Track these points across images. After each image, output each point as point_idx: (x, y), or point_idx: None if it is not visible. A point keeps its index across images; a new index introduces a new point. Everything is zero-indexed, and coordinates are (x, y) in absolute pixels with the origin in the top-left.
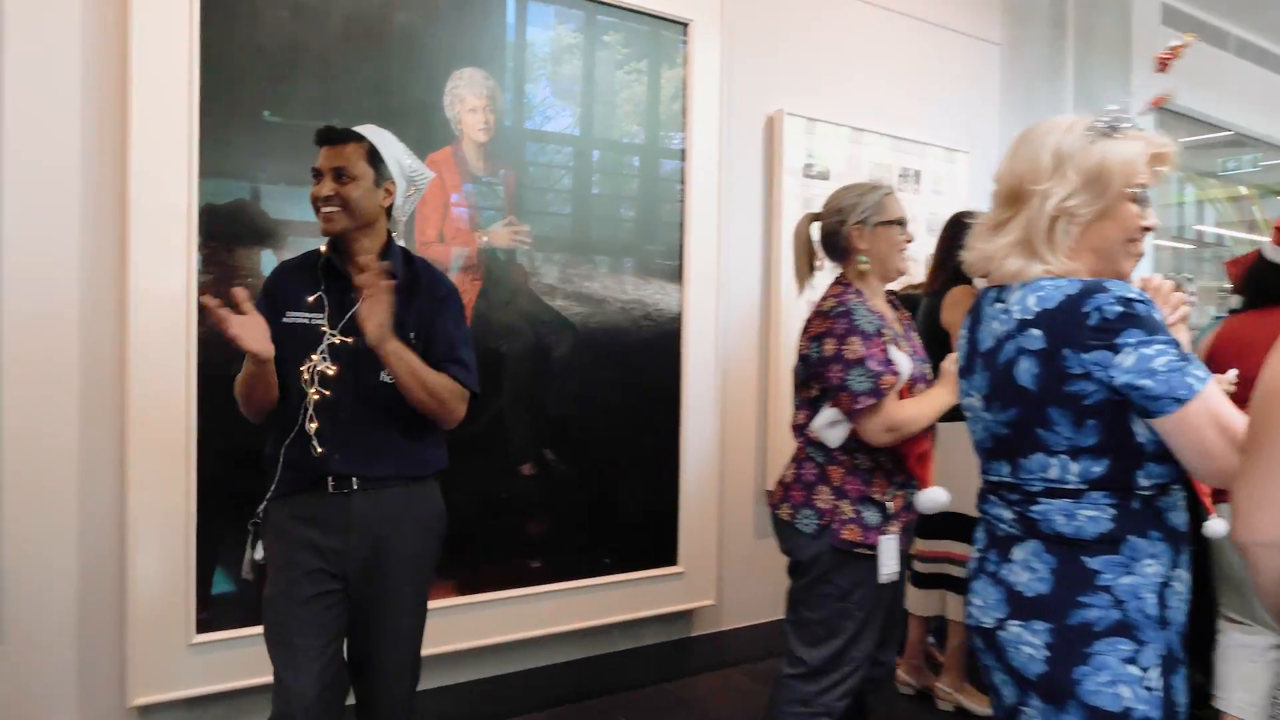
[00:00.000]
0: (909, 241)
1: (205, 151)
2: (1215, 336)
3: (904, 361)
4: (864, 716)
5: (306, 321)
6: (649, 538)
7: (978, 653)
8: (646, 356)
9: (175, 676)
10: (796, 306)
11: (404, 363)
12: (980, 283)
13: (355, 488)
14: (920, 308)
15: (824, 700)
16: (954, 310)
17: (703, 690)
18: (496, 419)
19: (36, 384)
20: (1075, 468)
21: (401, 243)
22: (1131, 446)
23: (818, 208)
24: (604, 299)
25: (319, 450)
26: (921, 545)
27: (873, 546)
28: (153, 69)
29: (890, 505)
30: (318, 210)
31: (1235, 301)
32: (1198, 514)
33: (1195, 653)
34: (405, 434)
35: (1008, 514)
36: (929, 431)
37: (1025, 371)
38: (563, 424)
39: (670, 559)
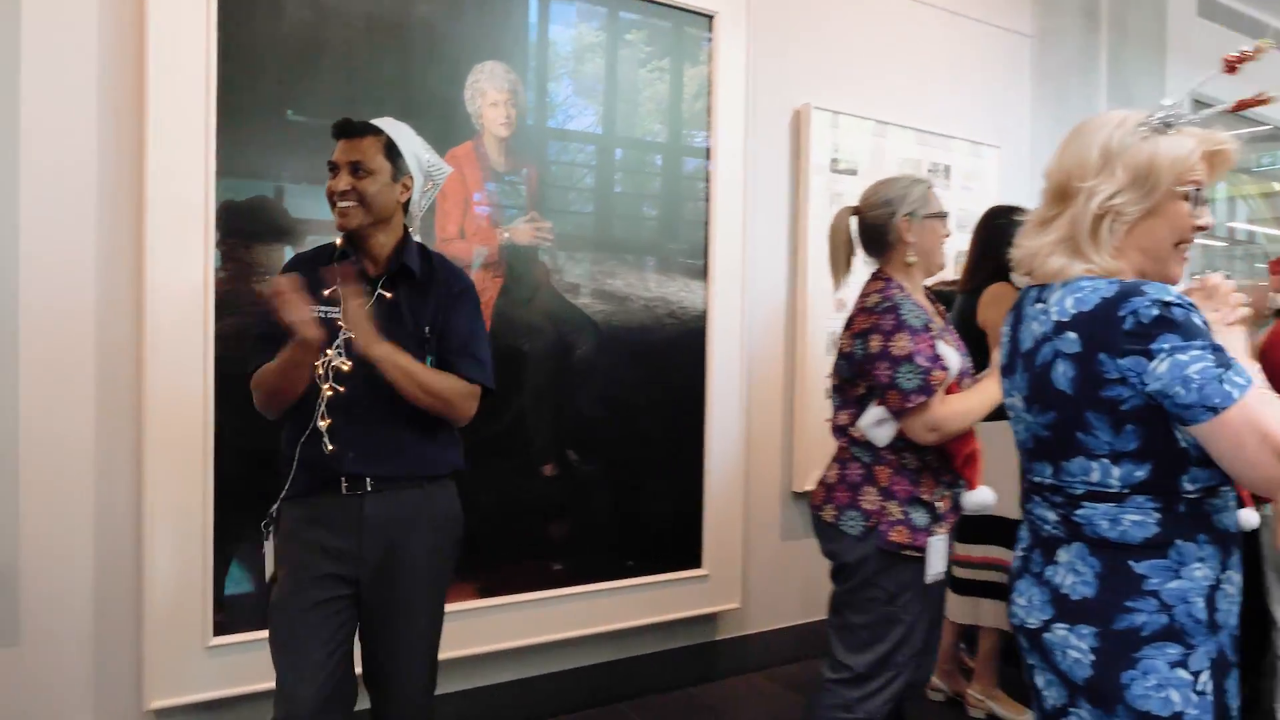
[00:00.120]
0: (948, 236)
1: (227, 150)
2: (1266, 339)
3: (952, 356)
4: None
5: (323, 315)
6: (673, 540)
7: (1021, 652)
8: (670, 355)
9: (192, 680)
10: (824, 304)
11: (398, 367)
12: (1021, 280)
13: (369, 489)
14: (955, 305)
15: (867, 706)
16: (991, 308)
17: (728, 694)
18: (518, 418)
19: (53, 382)
20: (1117, 472)
21: (418, 238)
22: (1175, 451)
23: (844, 204)
24: (627, 296)
25: (330, 448)
26: (964, 550)
27: (921, 548)
28: (169, 66)
29: (939, 506)
30: (333, 205)
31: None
32: None
33: (1247, 656)
34: (419, 433)
35: (1052, 515)
36: (971, 431)
37: (1062, 375)
38: (585, 424)
39: (694, 561)
